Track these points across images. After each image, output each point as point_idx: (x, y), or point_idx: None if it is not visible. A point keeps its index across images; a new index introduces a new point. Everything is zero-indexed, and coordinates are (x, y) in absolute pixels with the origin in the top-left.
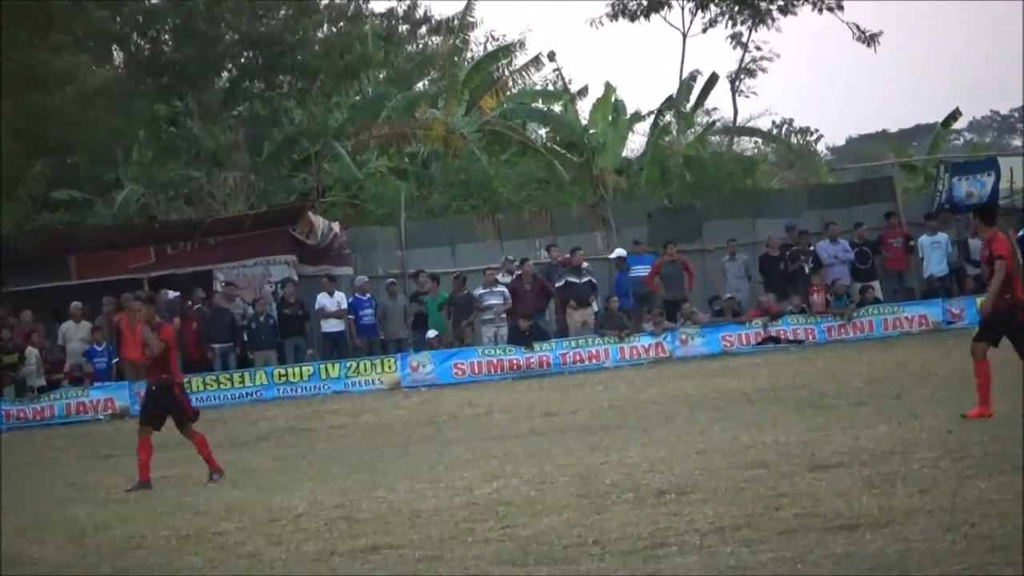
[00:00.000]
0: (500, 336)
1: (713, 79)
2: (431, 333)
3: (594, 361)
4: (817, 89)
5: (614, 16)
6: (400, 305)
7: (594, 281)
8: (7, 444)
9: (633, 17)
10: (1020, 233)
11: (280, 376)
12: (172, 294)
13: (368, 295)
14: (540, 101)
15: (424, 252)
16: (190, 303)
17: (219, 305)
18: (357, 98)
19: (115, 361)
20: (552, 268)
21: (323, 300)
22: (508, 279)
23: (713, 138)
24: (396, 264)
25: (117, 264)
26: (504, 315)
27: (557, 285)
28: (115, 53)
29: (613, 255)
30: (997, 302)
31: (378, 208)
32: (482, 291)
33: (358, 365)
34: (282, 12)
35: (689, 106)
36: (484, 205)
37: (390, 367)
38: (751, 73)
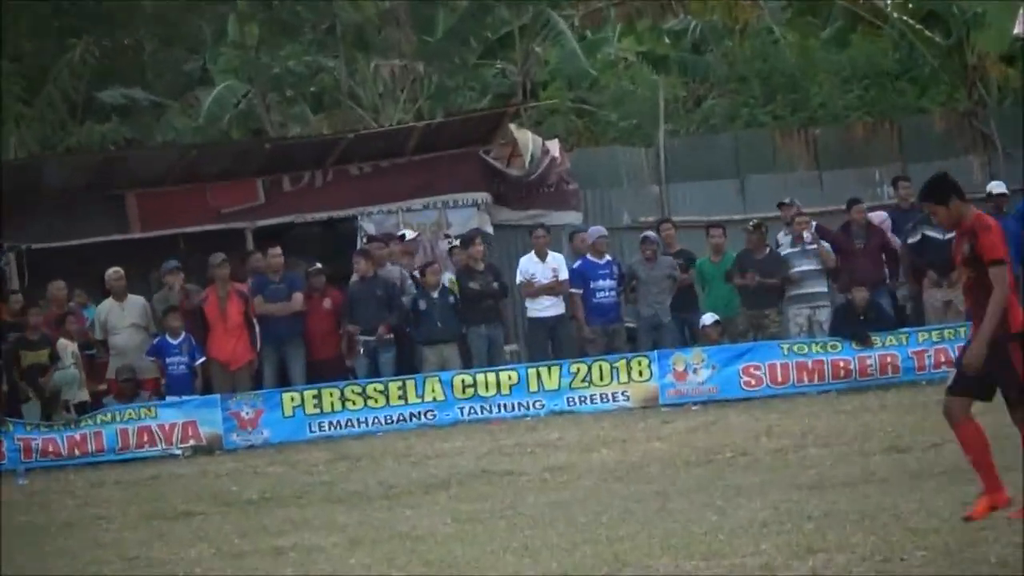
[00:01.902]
0: (818, 323)
1: None
2: (708, 318)
3: None
4: None
5: None
6: (662, 273)
7: None
8: (27, 493)
9: None
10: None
11: (464, 387)
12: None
13: (607, 257)
14: None
15: (695, 187)
16: (316, 267)
17: (365, 273)
18: None
19: (199, 362)
20: (901, 215)
21: (531, 266)
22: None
23: None
24: (652, 206)
25: (202, 206)
26: (824, 288)
27: (909, 241)
28: None
29: (991, 187)
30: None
31: (622, 118)
32: (789, 250)
33: (589, 369)
34: None
35: None
36: (792, 114)
37: (642, 373)
38: None
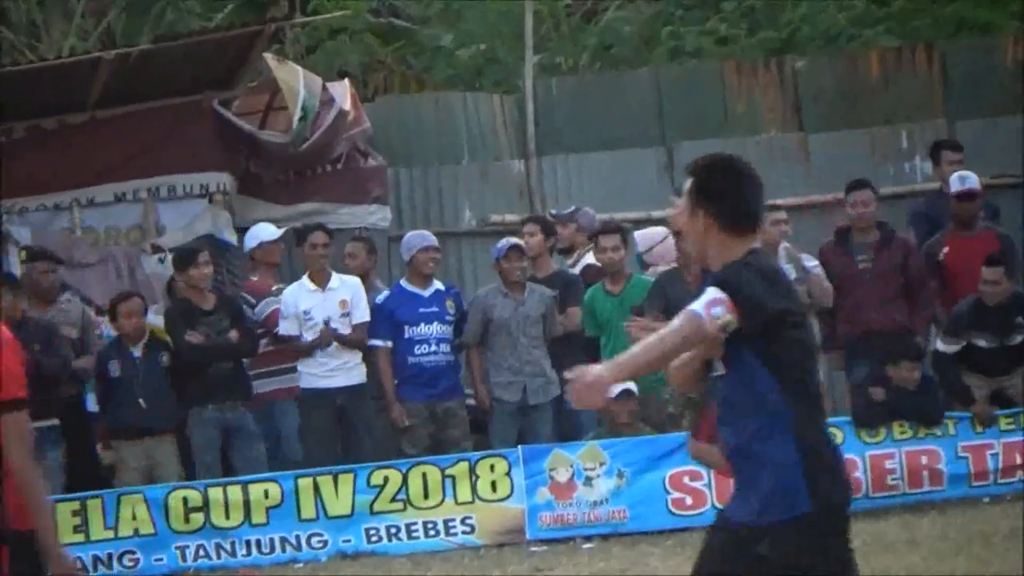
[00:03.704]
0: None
1: None
2: (612, 388)
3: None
4: None
5: None
6: (534, 311)
7: None
8: None
9: None
10: None
11: (188, 510)
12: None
13: (436, 284)
14: None
15: (586, 162)
16: None
17: (9, 313)
18: None
19: None
20: (943, 204)
21: (303, 299)
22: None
23: None
24: (512, 196)
25: None
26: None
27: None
28: None
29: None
30: None
31: (462, 43)
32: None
33: (405, 480)
34: None
35: None
36: (752, 34)
37: (496, 485)
38: None
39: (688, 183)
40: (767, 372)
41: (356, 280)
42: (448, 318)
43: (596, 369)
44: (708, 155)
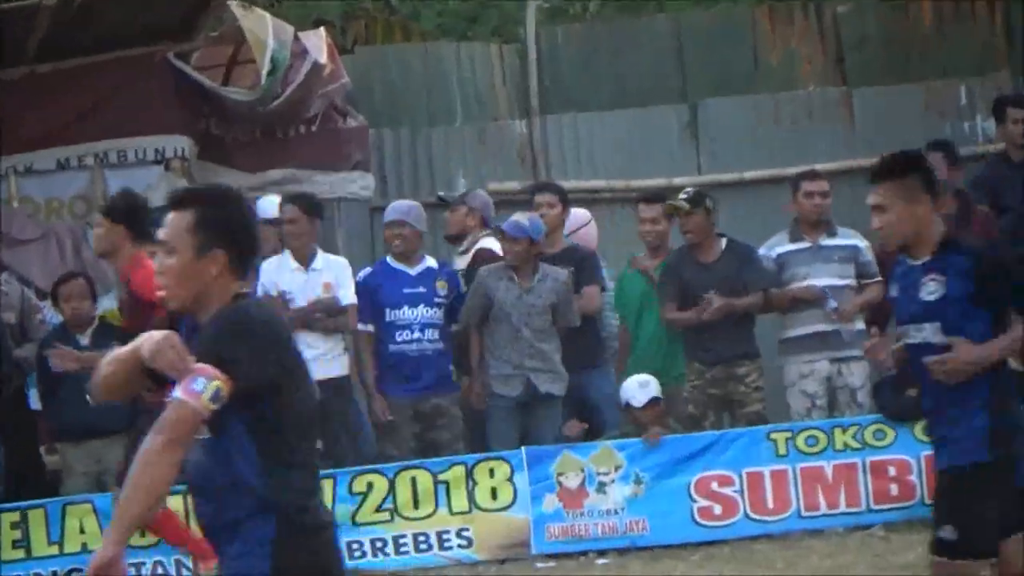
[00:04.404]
0: (846, 390)
1: None
2: (636, 388)
3: None
4: None
5: None
6: (543, 298)
7: None
8: None
9: None
10: None
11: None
12: None
13: (427, 261)
14: None
15: (598, 122)
16: None
17: None
18: None
19: None
20: (1014, 171)
21: (281, 274)
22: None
23: None
24: (513, 161)
25: None
26: (859, 325)
27: None
28: None
29: None
30: None
31: None
32: (786, 247)
33: (392, 486)
34: None
35: None
36: None
37: (496, 493)
38: None
39: (185, 217)
40: (253, 449)
41: (342, 260)
42: (437, 300)
43: (103, 553)
44: (202, 186)
